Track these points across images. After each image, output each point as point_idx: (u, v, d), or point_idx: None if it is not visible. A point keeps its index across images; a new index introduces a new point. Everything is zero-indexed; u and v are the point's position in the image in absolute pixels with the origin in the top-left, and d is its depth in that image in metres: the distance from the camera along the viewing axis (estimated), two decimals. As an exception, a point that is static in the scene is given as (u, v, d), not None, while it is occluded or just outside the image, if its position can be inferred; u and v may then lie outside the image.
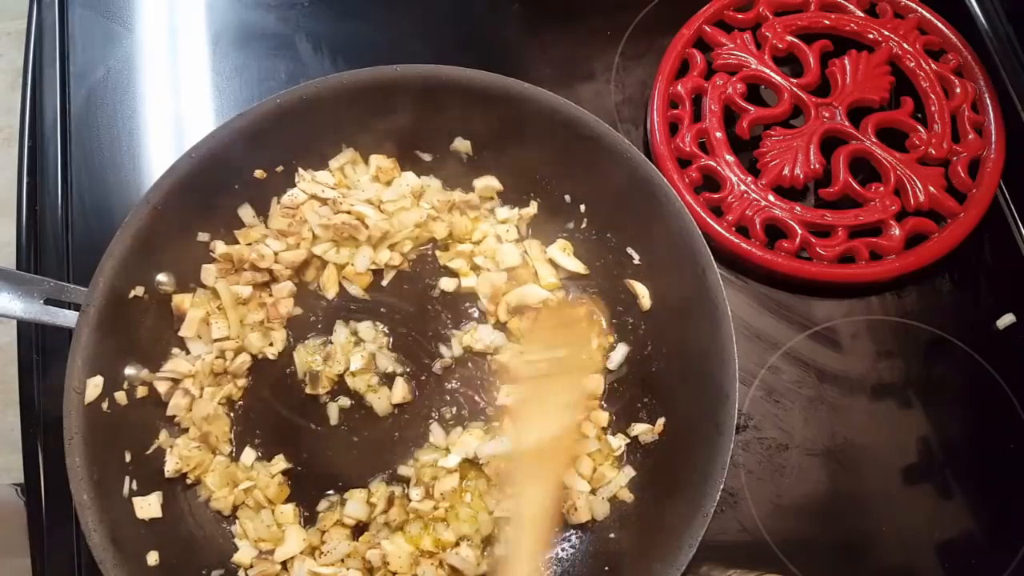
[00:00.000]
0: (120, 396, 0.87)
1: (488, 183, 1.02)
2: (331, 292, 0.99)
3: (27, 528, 0.91)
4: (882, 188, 1.03)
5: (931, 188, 1.03)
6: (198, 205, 0.93)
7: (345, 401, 0.95)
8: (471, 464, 0.92)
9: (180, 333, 0.94)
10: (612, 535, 0.90)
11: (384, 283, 1.00)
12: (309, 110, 0.95)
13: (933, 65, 1.10)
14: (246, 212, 0.98)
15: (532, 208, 1.02)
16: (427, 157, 1.02)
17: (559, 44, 1.15)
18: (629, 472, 0.92)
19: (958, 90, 1.09)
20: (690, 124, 1.07)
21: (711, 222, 1.01)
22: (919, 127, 1.06)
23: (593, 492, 0.91)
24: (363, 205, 0.98)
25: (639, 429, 0.92)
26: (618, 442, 0.92)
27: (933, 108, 1.08)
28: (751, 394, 0.97)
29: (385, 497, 0.89)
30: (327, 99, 0.95)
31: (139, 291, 0.90)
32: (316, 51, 1.14)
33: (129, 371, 0.89)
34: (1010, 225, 1.05)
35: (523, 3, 1.18)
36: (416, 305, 1.00)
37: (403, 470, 0.92)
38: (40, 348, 0.97)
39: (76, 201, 1.05)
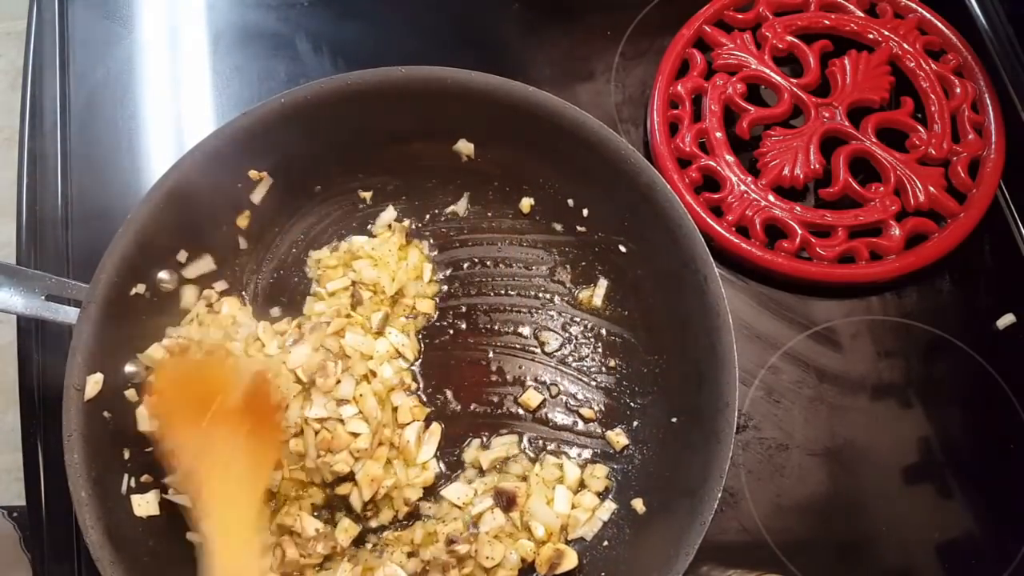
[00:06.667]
0: (120, 393, 0.87)
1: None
2: None
3: (22, 539, 0.91)
4: (882, 188, 1.03)
5: (931, 188, 1.03)
6: (200, 203, 0.93)
7: None
8: None
9: None
10: (606, 543, 0.89)
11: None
12: (313, 110, 0.95)
13: (933, 65, 1.10)
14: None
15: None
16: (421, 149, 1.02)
17: (559, 44, 1.15)
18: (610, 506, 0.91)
19: (958, 90, 1.09)
20: (690, 124, 1.07)
21: (711, 222, 1.01)
22: (919, 127, 1.06)
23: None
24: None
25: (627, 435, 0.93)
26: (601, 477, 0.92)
27: (933, 108, 1.08)
28: (751, 394, 0.97)
29: None
30: (331, 100, 0.95)
31: (140, 288, 0.90)
32: (316, 51, 1.14)
33: (129, 368, 0.89)
34: (1010, 225, 1.05)
35: (523, 3, 1.18)
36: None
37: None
38: (40, 348, 0.97)
39: (76, 201, 1.05)
